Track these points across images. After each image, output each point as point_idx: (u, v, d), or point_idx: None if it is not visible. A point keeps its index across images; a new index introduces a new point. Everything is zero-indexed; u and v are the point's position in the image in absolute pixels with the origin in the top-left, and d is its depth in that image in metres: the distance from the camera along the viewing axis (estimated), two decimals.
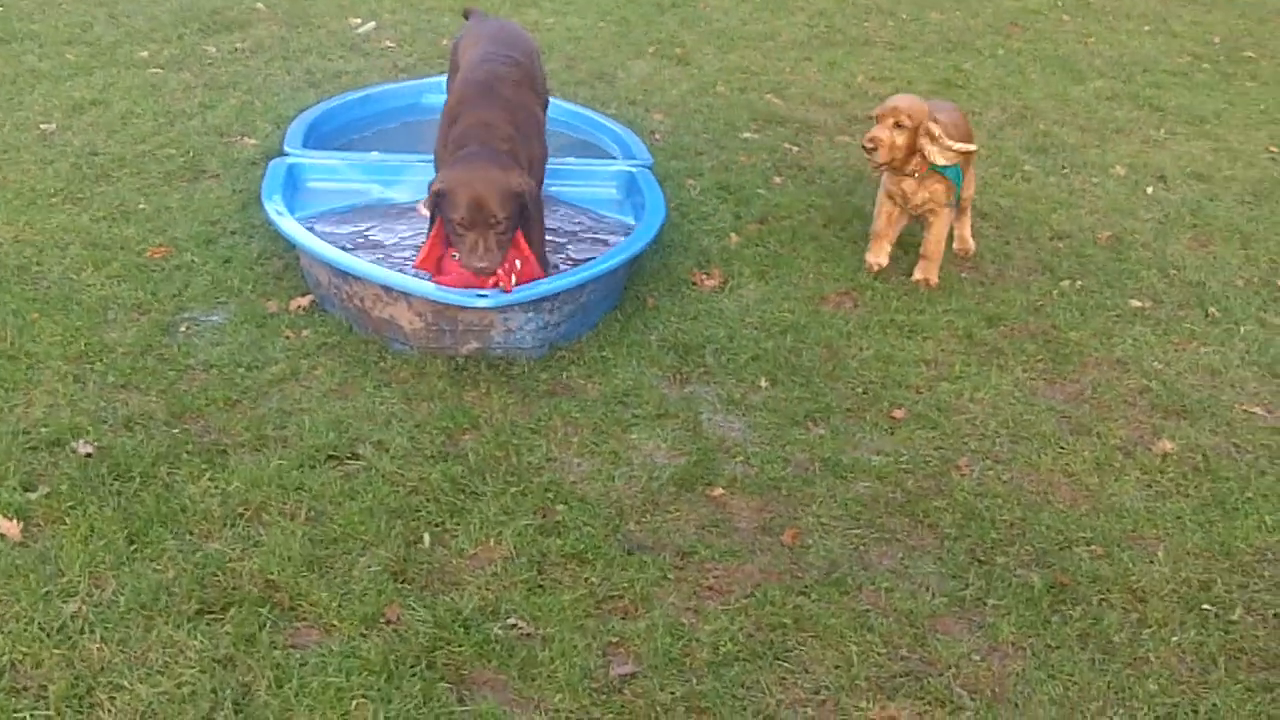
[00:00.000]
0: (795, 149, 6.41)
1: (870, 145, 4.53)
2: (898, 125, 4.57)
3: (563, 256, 4.57)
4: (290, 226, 4.34)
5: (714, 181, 5.84)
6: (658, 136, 6.38)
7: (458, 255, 4.02)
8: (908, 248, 5.23)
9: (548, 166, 4.59)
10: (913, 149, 4.59)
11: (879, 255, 4.91)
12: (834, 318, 4.66)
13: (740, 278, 4.92)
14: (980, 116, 7.07)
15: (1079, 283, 5.17)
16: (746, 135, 6.56)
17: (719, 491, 3.64)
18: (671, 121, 6.67)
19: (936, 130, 4.54)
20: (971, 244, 5.27)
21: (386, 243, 4.59)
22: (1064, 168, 6.42)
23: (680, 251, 5.09)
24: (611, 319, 4.50)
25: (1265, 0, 10.74)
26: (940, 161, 4.57)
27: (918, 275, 4.91)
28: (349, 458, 3.60)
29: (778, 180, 5.98)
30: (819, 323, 4.61)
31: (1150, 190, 6.23)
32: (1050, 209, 5.87)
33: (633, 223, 4.79)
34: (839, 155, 6.23)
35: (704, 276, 4.90)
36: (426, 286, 4.17)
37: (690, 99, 7.04)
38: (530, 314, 4.10)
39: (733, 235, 5.30)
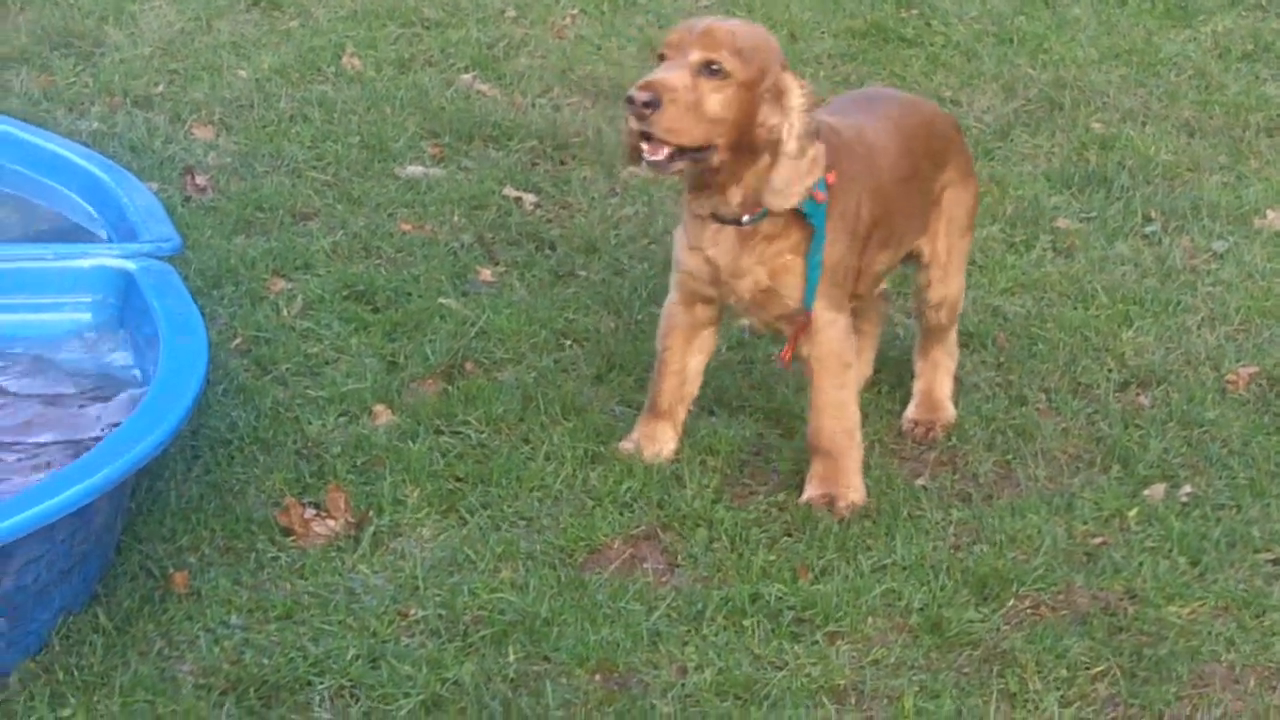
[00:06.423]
0: (530, 200, 6.59)
1: (644, 98, 4.75)
2: (709, 67, 4.77)
3: None
4: None
5: (337, 278, 5.95)
6: (202, 183, 6.31)
7: None
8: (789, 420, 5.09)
9: None
10: (746, 136, 4.80)
11: (652, 439, 5.28)
12: (615, 595, 4.72)
13: (400, 512, 4.98)
14: (964, 109, 7.31)
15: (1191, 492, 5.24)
16: (413, 169, 6.63)
17: None
18: (238, 144, 6.78)
19: (801, 97, 4.81)
20: (948, 410, 5.55)
21: None
22: (1147, 220, 6.71)
23: (257, 459, 5.15)
24: (84, 624, 4.44)
25: None
26: (793, 197, 4.80)
27: (811, 492, 5.14)
28: None
29: (487, 277, 6.09)
30: (581, 611, 4.63)
31: None
32: (1113, 318, 6.05)
33: (136, 388, 4.95)
34: (634, 204, 6.48)
35: (314, 515, 4.92)
36: None
37: (283, 89, 7.07)
38: None
39: (379, 410, 5.38)
